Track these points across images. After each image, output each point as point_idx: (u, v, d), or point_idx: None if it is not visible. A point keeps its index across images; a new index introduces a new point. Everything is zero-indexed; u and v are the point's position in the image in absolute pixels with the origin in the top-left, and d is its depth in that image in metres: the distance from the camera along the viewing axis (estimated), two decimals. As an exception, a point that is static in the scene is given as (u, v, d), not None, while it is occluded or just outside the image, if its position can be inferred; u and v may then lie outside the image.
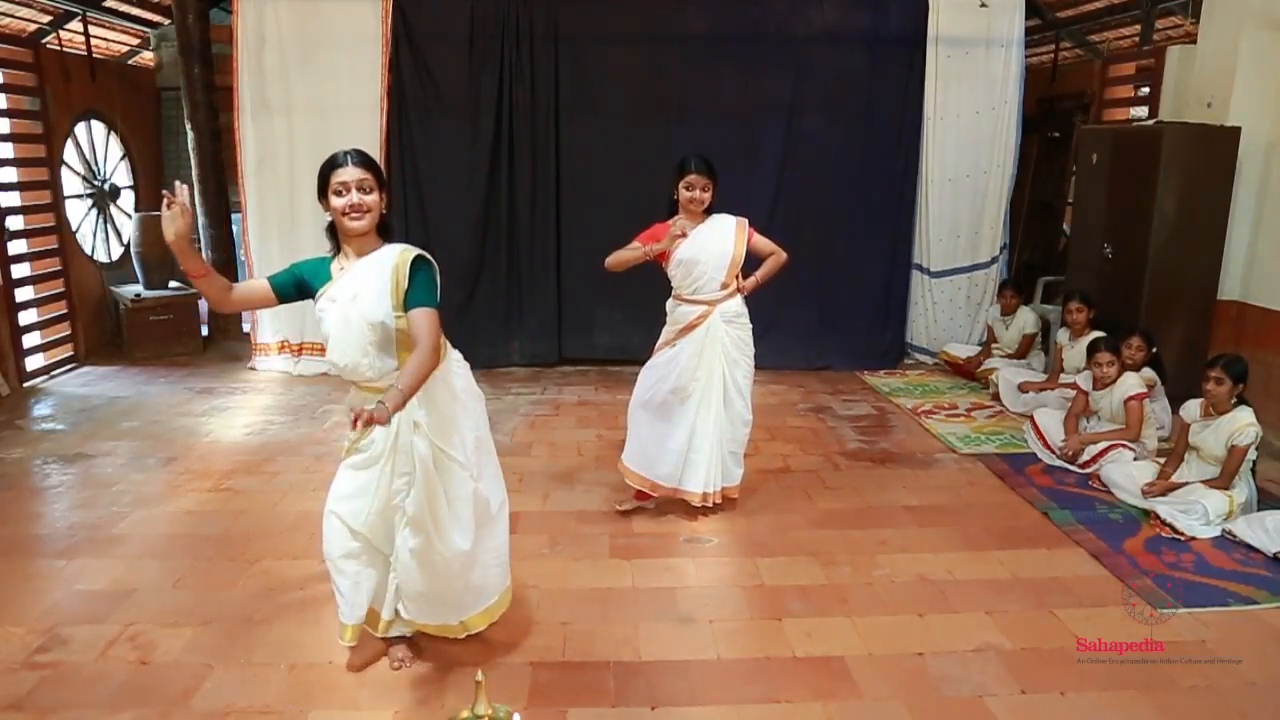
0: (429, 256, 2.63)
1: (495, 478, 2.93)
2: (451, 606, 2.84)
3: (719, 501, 3.98)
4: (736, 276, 3.88)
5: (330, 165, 2.59)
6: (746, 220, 3.89)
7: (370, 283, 2.57)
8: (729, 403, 3.91)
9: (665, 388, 3.86)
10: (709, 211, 3.86)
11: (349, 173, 2.56)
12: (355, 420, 2.28)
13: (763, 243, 3.92)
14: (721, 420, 3.89)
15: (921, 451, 4.94)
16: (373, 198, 2.59)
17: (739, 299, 3.92)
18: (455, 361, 2.80)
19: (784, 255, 3.94)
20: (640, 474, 3.95)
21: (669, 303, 3.96)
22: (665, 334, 3.96)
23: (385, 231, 2.69)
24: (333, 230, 2.66)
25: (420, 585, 2.75)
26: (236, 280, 3.07)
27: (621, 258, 3.80)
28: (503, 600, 2.99)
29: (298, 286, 2.66)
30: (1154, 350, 4.78)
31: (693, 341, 3.83)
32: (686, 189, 3.76)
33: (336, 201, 2.57)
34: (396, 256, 2.59)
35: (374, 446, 2.67)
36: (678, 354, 3.85)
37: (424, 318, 2.53)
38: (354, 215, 2.57)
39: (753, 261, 3.93)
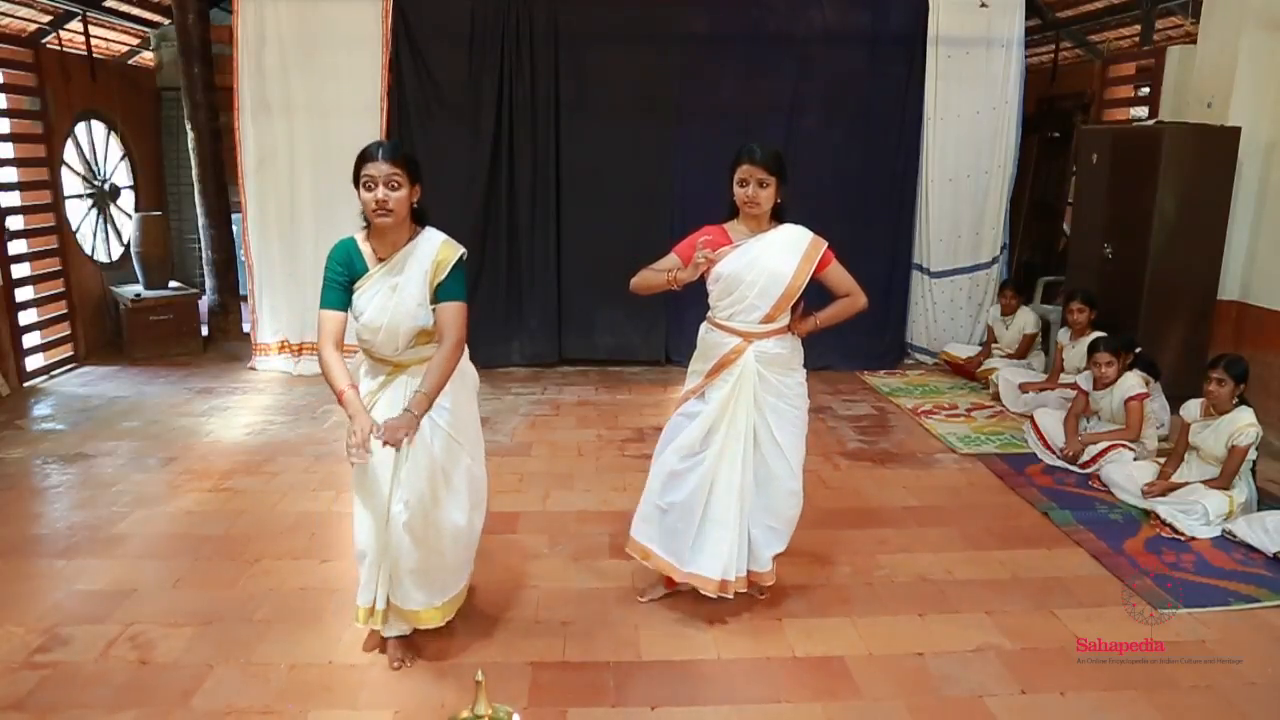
0: (463, 253, 2.75)
1: (483, 459, 2.99)
2: (438, 586, 2.87)
3: (742, 590, 3.14)
4: (794, 309, 3.07)
5: (361, 156, 2.67)
6: (827, 245, 3.03)
7: (412, 277, 2.68)
8: (765, 464, 3.09)
9: (706, 467, 3.06)
10: (780, 218, 3.06)
11: (377, 168, 2.61)
12: (384, 443, 2.48)
13: (839, 276, 3.06)
14: (748, 485, 3.08)
15: (921, 451, 4.94)
16: (400, 194, 2.63)
17: (787, 340, 3.07)
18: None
19: (863, 300, 3.07)
20: (694, 572, 3.10)
21: (702, 327, 3.16)
22: (692, 370, 3.15)
23: (419, 218, 2.78)
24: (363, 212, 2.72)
25: (411, 562, 2.77)
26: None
27: (647, 280, 3.04)
28: (464, 591, 3.03)
29: (349, 287, 2.71)
30: (1138, 351, 4.76)
31: (721, 392, 3.03)
32: (739, 185, 2.94)
33: (364, 196, 2.64)
34: (438, 253, 2.70)
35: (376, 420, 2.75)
36: (705, 411, 3.07)
37: (455, 312, 2.69)
38: (380, 212, 2.63)
39: (815, 297, 3.11)
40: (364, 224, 2.76)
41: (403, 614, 2.86)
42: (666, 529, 3.14)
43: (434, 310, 2.70)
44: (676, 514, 3.11)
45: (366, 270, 2.71)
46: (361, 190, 2.64)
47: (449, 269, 2.70)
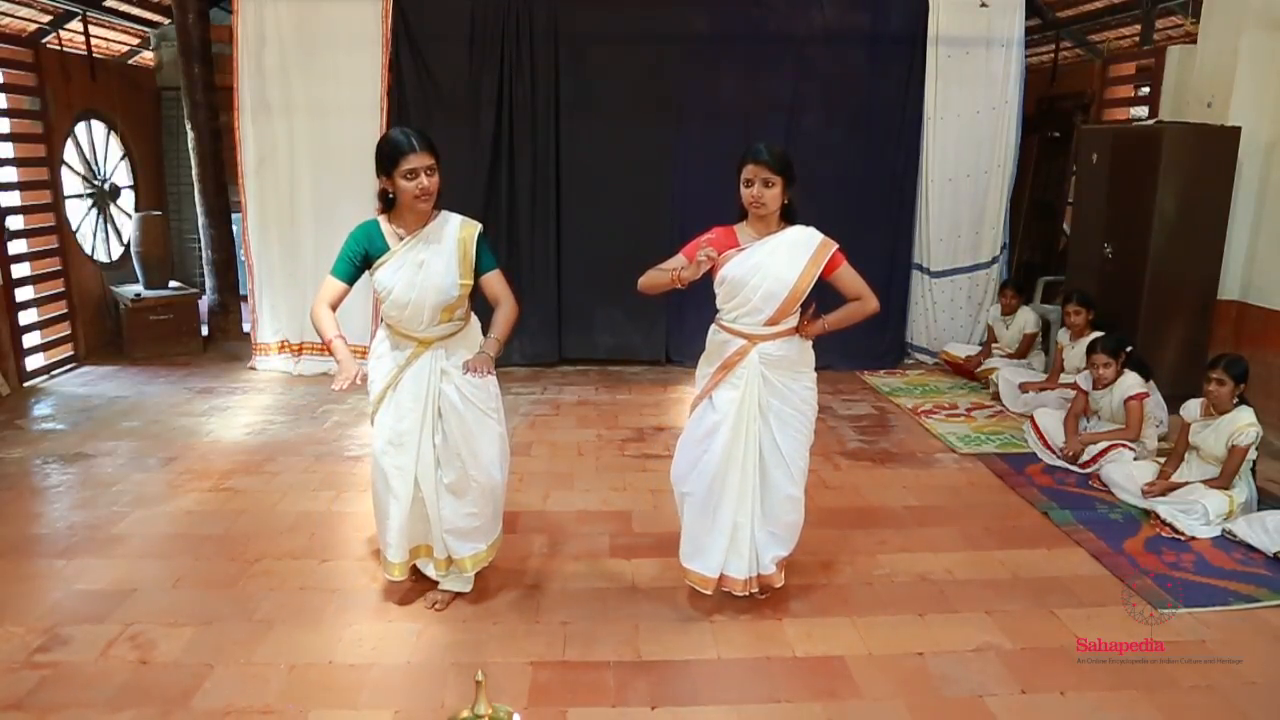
0: (480, 227, 3.01)
1: (504, 419, 3.21)
2: (483, 533, 3.17)
3: (755, 590, 3.20)
4: (804, 312, 3.06)
5: (397, 149, 2.80)
6: (837, 247, 3.01)
7: (436, 254, 2.91)
8: (765, 469, 3.09)
9: (713, 462, 3.07)
10: (790, 220, 3.06)
11: (420, 159, 2.80)
12: (471, 371, 2.80)
13: (850, 279, 3.03)
14: (754, 488, 3.10)
15: (921, 451, 4.94)
16: (436, 179, 2.87)
17: (794, 343, 3.05)
18: (475, 320, 3.17)
19: (874, 304, 3.04)
20: (693, 569, 3.17)
21: (711, 328, 3.16)
22: (700, 371, 3.18)
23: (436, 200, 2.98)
24: (383, 196, 2.92)
25: (460, 520, 3.08)
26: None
27: (653, 280, 3.03)
28: (501, 534, 3.33)
29: (361, 266, 2.95)
30: (1129, 350, 4.75)
31: (728, 395, 3.05)
32: (745, 185, 2.96)
33: (406, 184, 2.81)
34: (460, 231, 2.95)
35: (404, 397, 2.99)
36: (721, 421, 3.05)
37: (499, 278, 3.04)
38: (423, 199, 2.85)
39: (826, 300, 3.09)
40: (381, 207, 2.95)
41: (458, 563, 3.16)
42: (702, 544, 3.16)
43: (479, 284, 3.00)
44: (715, 525, 3.14)
45: (388, 248, 2.91)
46: (400, 180, 2.81)
47: (475, 245, 2.96)
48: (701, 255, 2.88)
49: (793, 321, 3.04)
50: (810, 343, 3.12)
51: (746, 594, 3.18)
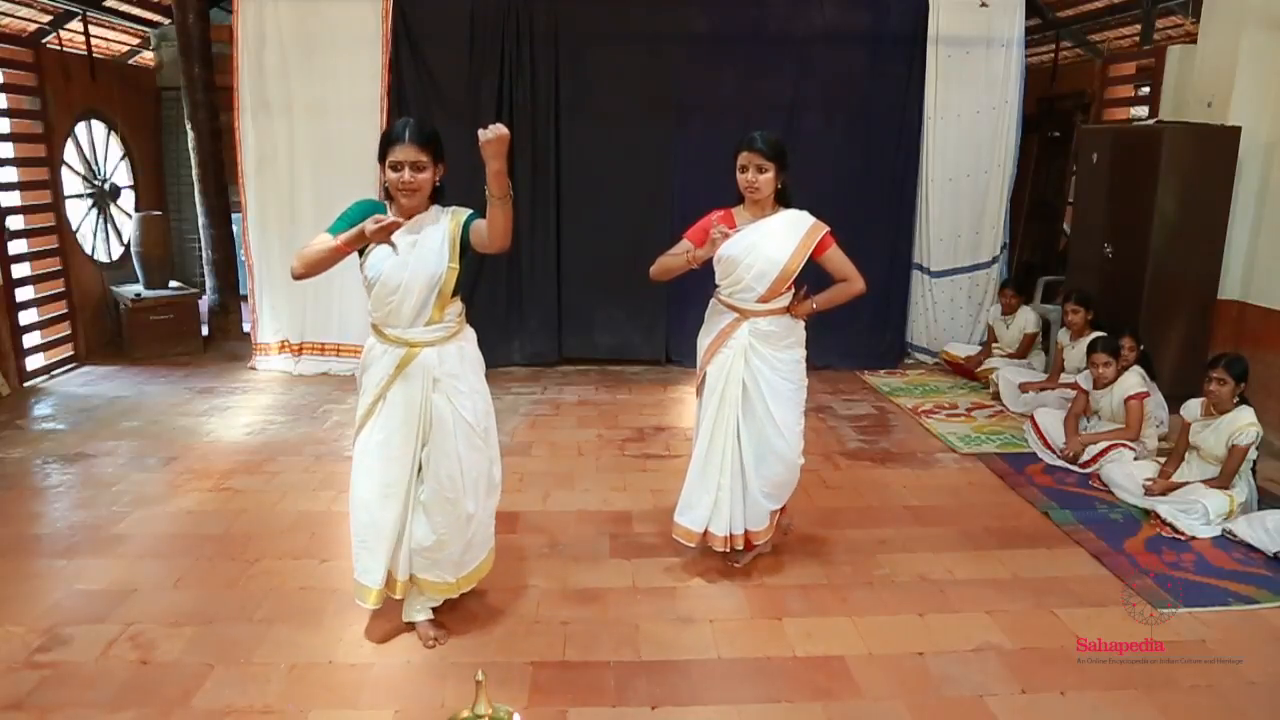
0: (472, 210, 2.83)
1: (496, 443, 3.06)
2: (451, 563, 2.95)
3: (739, 548, 3.39)
4: (792, 290, 3.24)
5: (388, 137, 2.72)
6: (827, 230, 3.21)
7: (430, 234, 2.76)
8: (765, 439, 3.28)
9: (706, 426, 3.34)
10: (785, 203, 3.25)
11: (404, 151, 2.69)
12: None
13: (839, 261, 3.22)
14: (744, 448, 3.30)
15: (921, 451, 4.94)
16: (425, 175, 2.73)
17: (784, 320, 3.25)
18: (469, 330, 2.99)
19: (860, 285, 3.22)
20: (681, 523, 3.42)
21: (710, 301, 3.37)
22: (701, 343, 3.37)
23: (437, 195, 2.85)
24: (384, 186, 2.81)
25: (427, 540, 2.88)
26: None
27: (665, 265, 3.22)
28: (488, 559, 3.12)
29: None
30: (1140, 348, 4.77)
31: (717, 363, 3.28)
32: (740, 171, 3.14)
33: (390, 176, 2.72)
34: (449, 221, 2.79)
35: (395, 409, 2.80)
36: (711, 390, 3.30)
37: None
38: (404, 193, 2.73)
39: (817, 279, 3.26)
40: (383, 196, 2.85)
41: (419, 582, 2.96)
42: (692, 500, 3.41)
43: (473, 228, 2.77)
44: (692, 477, 3.41)
45: None
46: (387, 170, 2.72)
47: (464, 224, 2.79)
48: (715, 233, 3.04)
49: (784, 300, 3.24)
50: (801, 323, 3.31)
51: (726, 549, 3.37)
